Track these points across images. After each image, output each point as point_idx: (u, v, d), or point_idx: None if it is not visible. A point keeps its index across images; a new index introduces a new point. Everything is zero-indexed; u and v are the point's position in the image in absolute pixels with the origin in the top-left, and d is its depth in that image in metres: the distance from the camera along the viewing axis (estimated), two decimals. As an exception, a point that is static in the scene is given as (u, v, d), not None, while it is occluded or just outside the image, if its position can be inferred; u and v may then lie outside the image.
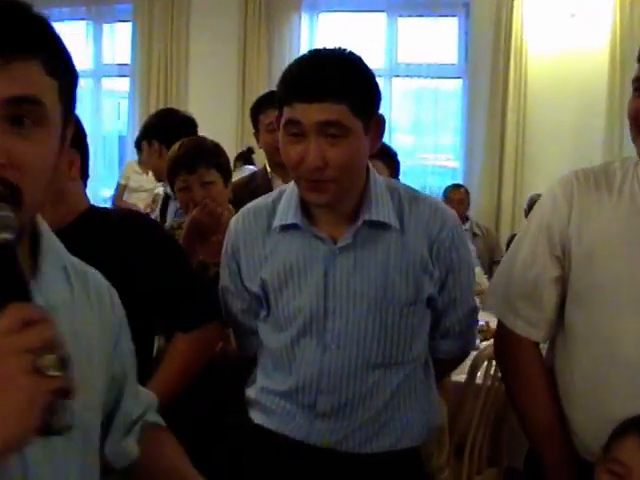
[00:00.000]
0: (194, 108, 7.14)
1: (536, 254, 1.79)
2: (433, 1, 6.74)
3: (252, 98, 6.87)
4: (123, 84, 7.70)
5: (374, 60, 6.74)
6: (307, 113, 1.61)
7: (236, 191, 3.50)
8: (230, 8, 6.99)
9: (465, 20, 6.78)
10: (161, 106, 7.05)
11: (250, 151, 6.73)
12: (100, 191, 7.54)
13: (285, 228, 1.80)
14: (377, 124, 1.73)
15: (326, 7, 7.04)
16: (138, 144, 4.21)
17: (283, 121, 1.67)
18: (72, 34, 7.81)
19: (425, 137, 6.99)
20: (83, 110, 7.71)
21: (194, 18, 7.21)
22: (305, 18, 6.99)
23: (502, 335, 1.90)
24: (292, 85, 1.64)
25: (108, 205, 6.99)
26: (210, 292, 2.04)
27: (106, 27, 7.69)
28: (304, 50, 7.07)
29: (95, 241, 1.94)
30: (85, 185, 2.13)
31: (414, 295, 1.78)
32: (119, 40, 7.70)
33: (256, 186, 3.32)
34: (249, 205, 1.94)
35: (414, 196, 1.83)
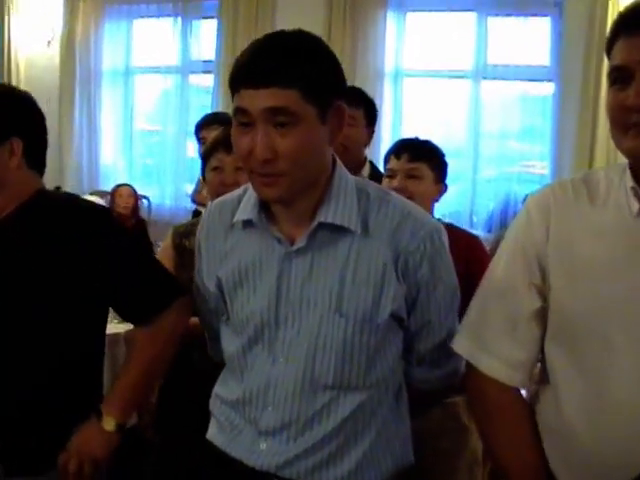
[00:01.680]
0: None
1: (511, 282, 1.56)
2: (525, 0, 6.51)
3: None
4: (209, 80, 7.69)
5: (462, 62, 6.58)
6: (253, 99, 1.50)
7: None
8: (315, 7, 6.92)
9: (558, 20, 6.51)
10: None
11: None
12: (184, 187, 7.55)
13: (246, 225, 1.68)
14: (338, 113, 1.58)
15: (413, 6, 6.87)
16: None
17: (232, 110, 1.55)
18: (160, 31, 7.89)
19: (513, 142, 6.76)
20: (170, 107, 7.76)
21: (279, 15, 7.15)
22: (392, 17, 6.84)
23: (474, 378, 1.64)
24: (239, 71, 1.53)
25: (188, 201, 7.02)
26: (162, 277, 2.00)
27: (193, 23, 7.68)
28: (390, 50, 7.04)
29: (35, 231, 1.91)
30: (41, 172, 2.04)
31: (371, 311, 1.60)
32: (205, 37, 7.70)
33: None
34: (220, 198, 1.83)
35: (385, 199, 1.66)
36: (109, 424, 1.92)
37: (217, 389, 1.83)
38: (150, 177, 8.04)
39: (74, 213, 1.93)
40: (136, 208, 6.74)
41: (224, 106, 7.20)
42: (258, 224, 1.66)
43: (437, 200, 2.79)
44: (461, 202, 6.51)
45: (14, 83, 8.34)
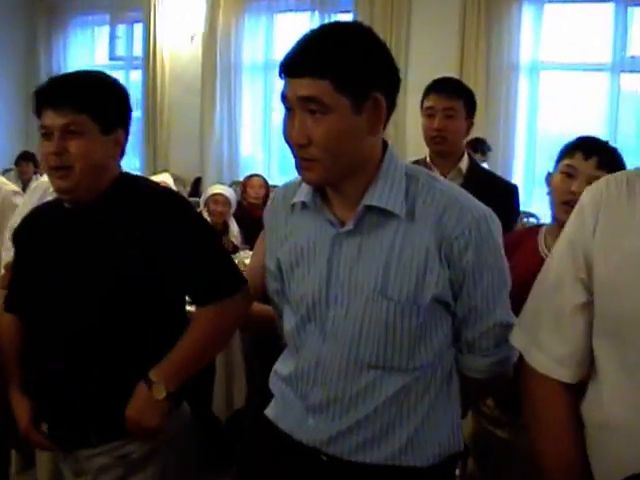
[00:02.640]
0: (412, 98, 7.18)
1: (561, 277, 1.52)
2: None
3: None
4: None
5: (601, 54, 6.46)
6: (291, 88, 1.57)
7: None
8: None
9: None
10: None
11: (479, 142, 6.64)
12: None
13: (303, 207, 1.74)
14: (375, 104, 1.58)
15: (551, -3, 6.83)
16: None
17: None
18: (297, 25, 8.15)
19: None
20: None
21: (415, 8, 7.23)
22: (528, 9, 6.83)
23: (524, 371, 1.61)
24: (282, 60, 1.60)
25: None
26: (232, 266, 2.07)
27: (331, 17, 7.84)
28: (526, 43, 6.94)
29: (123, 211, 2.01)
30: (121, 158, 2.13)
31: (415, 294, 1.61)
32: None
33: None
34: (286, 182, 1.89)
35: (433, 185, 1.66)
36: (160, 393, 1.97)
37: (276, 366, 1.88)
38: (287, 169, 8.25)
39: (154, 199, 2.04)
40: (267, 198, 6.88)
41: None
42: (312, 206, 1.71)
43: None
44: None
45: (159, 77, 8.73)
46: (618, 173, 1.53)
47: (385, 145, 1.69)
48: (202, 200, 5.65)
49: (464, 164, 3.23)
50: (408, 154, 6.45)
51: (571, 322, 1.50)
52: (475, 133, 6.76)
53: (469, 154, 3.32)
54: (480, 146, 6.56)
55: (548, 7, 6.83)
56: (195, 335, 2.04)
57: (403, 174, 1.66)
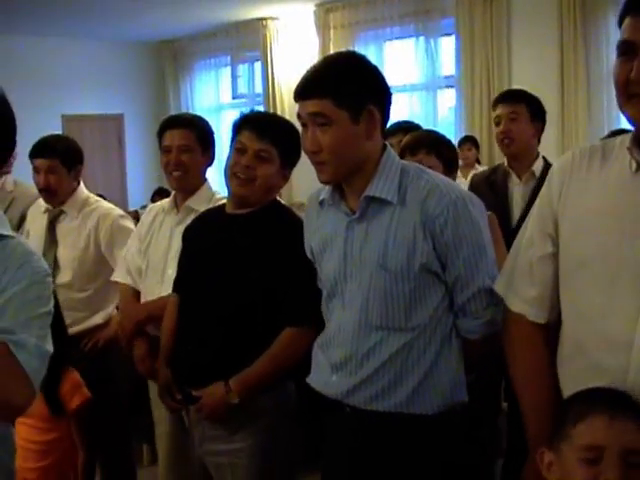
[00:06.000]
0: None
1: (534, 233, 1.81)
2: None
3: (571, 100, 7.03)
4: (452, 95, 8.19)
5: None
6: (302, 108, 1.98)
7: (475, 182, 3.74)
8: (547, 14, 7.19)
9: None
10: (485, 116, 7.44)
11: None
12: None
13: (327, 203, 2.11)
14: (369, 115, 1.96)
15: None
16: None
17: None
18: (404, 50, 8.53)
19: None
20: (419, 121, 8.26)
21: (513, 27, 7.49)
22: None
23: (505, 314, 1.91)
24: (296, 87, 2.00)
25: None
26: (319, 304, 2.27)
27: (433, 41, 8.20)
28: None
29: (269, 229, 2.41)
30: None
31: (406, 264, 1.95)
32: (447, 53, 8.20)
33: (494, 180, 3.57)
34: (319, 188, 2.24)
35: (420, 175, 2.02)
36: (234, 399, 2.36)
37: (318, 338, 2.23)
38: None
39: (293, 224, 2.42)
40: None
41: (467, 119, 7.75)
42: (331, 201, 2.09)
43: None
44: None
45: (279, 111, 9.19)
46: (583, 146, 1.83)
47: (384, 147, 2.07)
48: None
49: (538, 167, 3.50)
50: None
51: (540, 269, 1.79)
52: (580, 143, 6.93)
53: (544, 157, 3.59)
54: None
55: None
56: (275, 352, 2.38)
57: (399, 170, 2.04)
